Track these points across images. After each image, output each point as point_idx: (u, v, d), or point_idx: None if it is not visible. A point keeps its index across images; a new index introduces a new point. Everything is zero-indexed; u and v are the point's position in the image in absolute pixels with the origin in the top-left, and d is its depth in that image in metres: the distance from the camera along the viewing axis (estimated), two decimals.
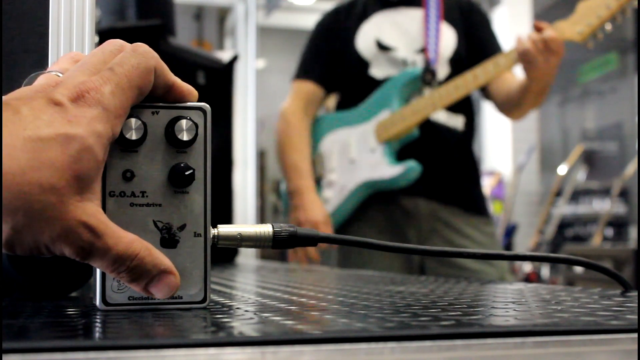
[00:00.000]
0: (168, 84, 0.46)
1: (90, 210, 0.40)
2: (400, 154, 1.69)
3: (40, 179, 0.37)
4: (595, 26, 1.51)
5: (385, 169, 1.66)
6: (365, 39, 1.77)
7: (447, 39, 1.76)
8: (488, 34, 1.82)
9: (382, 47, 1.75)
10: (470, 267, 1.67)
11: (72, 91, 0.40)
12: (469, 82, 1.61)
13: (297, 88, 1.84)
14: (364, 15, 1.81)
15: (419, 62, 1.73)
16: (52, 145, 0.38)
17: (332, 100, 1.98)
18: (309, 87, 1.83)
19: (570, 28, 1.53)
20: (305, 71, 1.85)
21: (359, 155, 1.71)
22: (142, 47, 0.45)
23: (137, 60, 0.43)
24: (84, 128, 0.39)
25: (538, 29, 1.53)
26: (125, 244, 0.42)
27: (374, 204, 1.71)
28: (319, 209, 1.70)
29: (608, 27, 1.52)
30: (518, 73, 1.74)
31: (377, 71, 1.75)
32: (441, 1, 1.77)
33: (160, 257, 0.43)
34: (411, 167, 1.63)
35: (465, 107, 1.74)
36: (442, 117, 1.71)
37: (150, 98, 0.47)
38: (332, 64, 1.83)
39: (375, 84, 1.73)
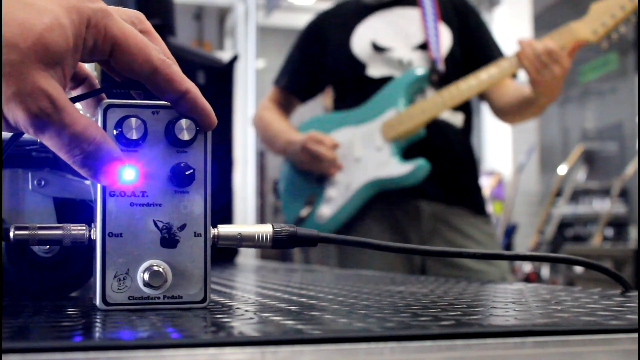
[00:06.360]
0: (175, 87, 0.46)
1: (53, 83, 0.40)
2: (405, 152, 1.68)
3: (6, 34, 0.38)
4: (610, 26, 1.50)
5: (394, 167, 1.65)
6: (361, 41, 1.77)
7: (444, 38, 1.75)
8: (484, 33, 1.82)
9: (378, 49, 1.75)
10: (472, 267, 1.67)
11: None
12: (482, 80, 1.60)
13: (272, 93, 1.92)
14: (357, 17, 1.80)
15: (415, 60, 1.72)
16: (30, 10, 0.39)
17: (330, 101, 1.98)
18: (283, 95, 1.90)
19: (585, 28, 1.52)
20: (282, 78, 1.91)
21: (365, 153, 1.69)
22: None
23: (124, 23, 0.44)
24: (64, 9, 0.40)
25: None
26: (83, 125, 0.41)
27: (376, 203, 1.70)
28: (301, 134, 1.73)
29: (622, 29, 1.51)
30: (522, 78, 1.72)
31: (373, 71, 1.74)
32: (436, 0, 1.77)
33: (114, 146, 0.43)
34: (420, 166, 1.62)
35: (464, 104, 1.74)
36: (445, 114, 1.71)
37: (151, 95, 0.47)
38: (314, 71, 1.85)
39: (373, 83, 1.72)
